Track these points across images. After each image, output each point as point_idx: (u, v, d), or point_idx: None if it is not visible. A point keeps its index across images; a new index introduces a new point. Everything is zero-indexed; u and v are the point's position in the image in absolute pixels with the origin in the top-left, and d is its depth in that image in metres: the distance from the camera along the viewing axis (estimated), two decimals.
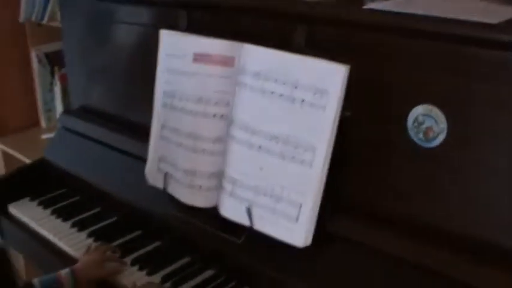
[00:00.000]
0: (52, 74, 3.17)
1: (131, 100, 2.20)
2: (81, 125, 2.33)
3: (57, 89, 3.11)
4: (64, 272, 1.73)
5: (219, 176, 1.68)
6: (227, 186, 1.65)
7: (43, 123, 3.32)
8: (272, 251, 1.59)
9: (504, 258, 1.31)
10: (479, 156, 1.33)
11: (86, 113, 2.40)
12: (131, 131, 2.11)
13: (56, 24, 2.85)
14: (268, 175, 1.56)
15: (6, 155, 3.19)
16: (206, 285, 1.72)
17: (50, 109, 3.27)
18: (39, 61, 3.17)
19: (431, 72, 1.35)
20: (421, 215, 1.43)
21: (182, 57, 1.74)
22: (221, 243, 1.70)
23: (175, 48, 1.78)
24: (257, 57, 1.59)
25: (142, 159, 1.93)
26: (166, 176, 1.81)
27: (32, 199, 2.28)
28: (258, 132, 1.57)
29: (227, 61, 1.65)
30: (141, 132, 1.98)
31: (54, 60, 3.17)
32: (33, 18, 3.03)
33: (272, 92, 1.54)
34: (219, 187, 1.68)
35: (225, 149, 1.66)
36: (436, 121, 1.35)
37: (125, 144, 2.09)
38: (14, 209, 2.22)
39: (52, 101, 3.21)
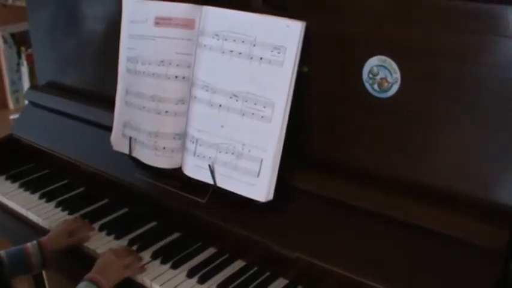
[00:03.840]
0: (19, 54, 3.16)
1: (97, 73, 2.21)
2: (48, 99, 2.33)
3: (24, 69, 3.11)
4: (30, 244, 1.74)
5: (182, 137, 1.71)
6: (190, 145, 1.68)
7: (11, 105, 3.31)
8: (236, 208, 1.61)
9: (455, 201, 1.35)
10: (433, 105, 1.36)
11: (53, 88, 2.39)
12: (97, 102, 2.12)
13: (21, 3, 2.85)
14: (229, 132, 1.59)
15: None
16: (173, 247, 1.75)
17: (17, 90, 3.26)
18: (5, 42, 3.16)
19: (384, 23, 1.38)
20: (379, 165, 1.46)
21: (144, 22, 1.76)
22: (186, 205, 1.73)
23: (138, 14, 1.79)
24: (216, 18, 1.61)
25: (109, 129, 1.95)
26: (131, 140, 1.82)
27: (0, 174, 2.28)
28: (218, 91, 1.60)
29: (188, 23, 1.67)
30: (107, 102, 1.99)
31: (20, 41, 3.17)
32: None
33: (231, 51, 1.57)
34: (183, 148, 1.71)
35: (188, 110, 1.68)
36: (390, 71, 1.38)
37: (91, 115, 2.10)
38: None
39: (19, 81, 3.20)
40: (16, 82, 3.23)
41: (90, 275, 1.55)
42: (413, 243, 1.36)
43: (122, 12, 1.86)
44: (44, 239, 1.76)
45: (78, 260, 1.75)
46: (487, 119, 1.29)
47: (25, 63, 3.10)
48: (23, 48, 3.12)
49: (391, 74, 1.38)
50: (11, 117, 3.09)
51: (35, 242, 1.74)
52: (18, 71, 3.19)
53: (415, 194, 1.39)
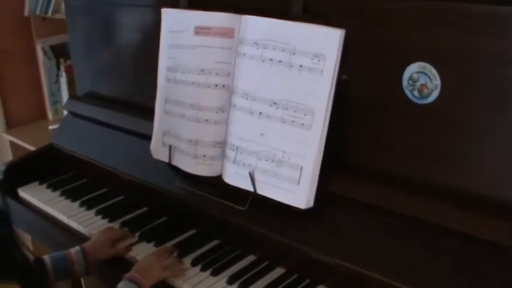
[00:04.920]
0: (58, 66, 3.22)
1: (136, 84, 2.24)
2: (86, 109, 2.37)
3: (63, 81, 3.16)
4: (74, 250, 1.76)
5: (222, 145, 1.72)
6: (230, 153, 1.69)
7: (50, 116, 3.37)
8: (276, 215, 1.62)
9: (497, 209, 1.34)
10: (473, 111, 1.35)
11: (92, 98, 2.43)
12: (136, 111, 2.14)
13: (60, 16, 2.90)
14: (269, 140, 1.60)
15: (14, 146, 3.24)
16: (213, 254, 1.76)
17: (56, 101, 3.31)
18: (45, 54, 3.22)
19: (423, 29, 1.39)
20: (421, 172, 1.46)
21: (184, 32, 1.78)
22: (226, 212, 1.74)
23: (177, 24, 1.82)
24: (255, 27, 1.63)
25: (148, 137, 1.97)
26: (170, 148, 1.84)
27: (41, 183, 2.33)
28: (258, 99, 1.61)
29: (227, 32, 1.69)
30: (146, 112, 2.01)
31: (59, 53, 3.23)
32: (38, 11, 3.08)
33: (271, 60, 1.58)
34: (223, 156, 1.72)
35: (227, 118, 1.70)
36: (429, 78, 1.38)
37: (130, 124, 2.13)
38: (23, 193, 2.27)
39: (58, 93, 3.26)
40: (55, 93, 3.28)
41: (129, 274, 1.57)
42: (455, 251, 1.35)
43: (157, 22, 1.89)
44: (87, 245, 1.78)
45: (118, 268, 1.76)
46: None
47: (64, 74, 3.15)
48: (61, 60, 3.18)
49: (431, 80, 1.38)
50: (50, 127, 3.14)
51: (78, 248, 1.76)
52: (57, 82, 3.25)
53: (456, 201, 1.39)
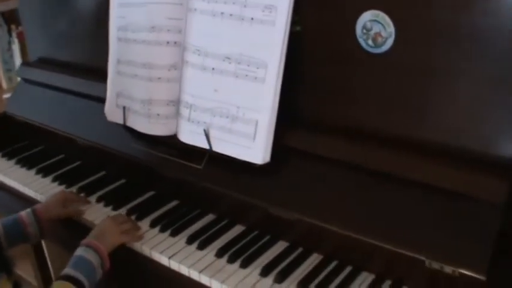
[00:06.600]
0: (9, 32, 3.13)
1: (89, 46, 2.18)
2: (40, 74, 2.31)
3: (16, 48, 3.08)
4: (25, 212, 1.73)
5: (176, 103, 1.69)
6: (184, 111, 1.66)
7: (4, 84, 3.28)
8: (233, 173, 1.60)
9: (454, 156, 1.33)
10: (429, 58, 1.33)
11: (45, 63, 2.37)
12: (90, 74, 2.09)
13: None
14: (223, 96, 1.57)
15: None
16: (171, 215, 1.74)
17: (9, 69, 3.23)
18: None
19: None
20: (378, 122, 1.44)
21: None
22: (183, 172, 1.71)
23: None
24: None
25: (102, 100, 1.93)
26: (124, 110, 1.80)
27: None
28: (210, 55, 1.58)
29: None
30: (100, 74, 1.96)
31: (10, 19, 3.13)
32: None
33: (222, 13, 1.55)
34: (177, 114, 1.69)
35: (181, 75, 1.66)
36: (383, 26, 1.36)
37: (84, 87, 2.08)
38: None
39: (11, 60, 3.17)
40: (8, 61, 3.20)
41: (86, 240, 1.54)
42: (414, 199, 1.35)
43: None
44: (38, 206, 1.76)
45: (76, 231, 1.73)
46: (486, 71, 1.26)
47: (16, 41, 3.06)
48: (13, 27, 3.08)
49: (384, 28, 1.36)
50: (5, 96, 3.07)
51: (29, 210, 1.73)
52: (10, 49, 3.16)
53: (414, 149, 1.37)
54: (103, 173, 2.04)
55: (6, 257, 1.54)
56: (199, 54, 1.59)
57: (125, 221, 1.66)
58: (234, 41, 1.53)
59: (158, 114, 1.70)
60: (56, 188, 1.98)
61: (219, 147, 1.59)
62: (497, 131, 1.29)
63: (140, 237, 1.62)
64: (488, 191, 1.25)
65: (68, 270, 1.45)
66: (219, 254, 1.54)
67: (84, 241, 1.54)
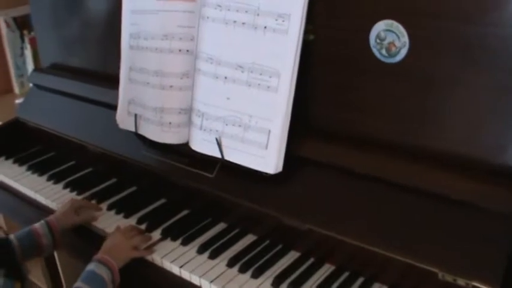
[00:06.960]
0: (22, 38, 3.13)
1: (101, 53, 2.18)
2: (52, 80, 2.31)
3: (28, 53, 3.08)
4: (39, 224, 1.72)
5: (188, 111, 1.68)
6: (196, 120, 1.65)
7: (16, 89, 3.28)
8: (245, 182, 1.59)
9: (466, 166, 1.32)
10: (442, 69, 1.32)
11: (57, 69, 2.37)
12: (102, 81, 2.09)
13: None
14: (236, 105, 1.56)
15: None
16: (183, 224, 1.73)
17: (22, 74, 3.23)
18: (8, 26, 3.12)
19: None
20: (391, 132, 1.43)
21: None
22: (194, 180, 1.70)
23: None
24: None
25: (114, 107, 1.92)
26: (136, 117, 1.80)
27: (7, 158, 2.29)
28: (223, 63, 1.57)
29: None
30: (112, 81, 1.96)
31: (22, 24, 3.13)
32: None
33: (234, 22, 1.54)
34: (189, 122, 1.68)
35: (193, 84, 1.66)
36: (397, 35, 1.35)
37: (96, 94, 2.08)
38: None
39: (24, 66, 3.17)
40: (20, 67, 3.19)
41: (98, 255, 1.54)
42: (427, 210, 1.33)
43: None
44: (51, 218, 1.74)
45: (87, 240, 1.74)
46: (499, 81, 1.25)
47: (28, 46, 3.06)
48: (25, 32, 3.08)
49: (398, 38, 1.35)
50: (17, 101, 3.07)
51: (43, 221, 1.72)
52: (22, 55, 3.16)
53: (427, 160, 1.36)
54: (114, 180, 2.03)
55: (21, 266, 1.55)
56: (211, 63, 1.59)
57: (135, 234, 1.65)
58: (247, 49, 1.52)
59: (170, 123, 1.69)
60: (67, 195, 1.97)
61: (231, 156, 1.58)
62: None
63: (151, 251, 1.60)
64: (502, 202, 1.24)
65: (79, 284, 1.45)
66: (231, 263, 1.53)
67: (96, 256, 1.54)
